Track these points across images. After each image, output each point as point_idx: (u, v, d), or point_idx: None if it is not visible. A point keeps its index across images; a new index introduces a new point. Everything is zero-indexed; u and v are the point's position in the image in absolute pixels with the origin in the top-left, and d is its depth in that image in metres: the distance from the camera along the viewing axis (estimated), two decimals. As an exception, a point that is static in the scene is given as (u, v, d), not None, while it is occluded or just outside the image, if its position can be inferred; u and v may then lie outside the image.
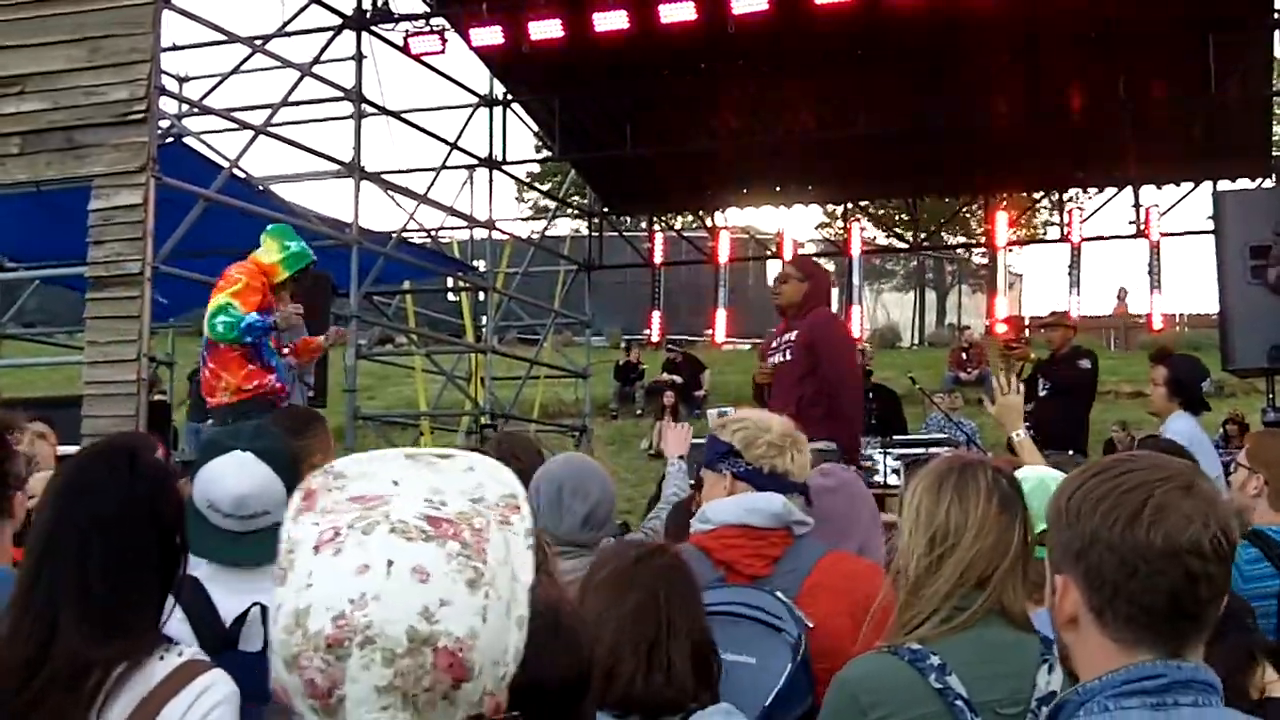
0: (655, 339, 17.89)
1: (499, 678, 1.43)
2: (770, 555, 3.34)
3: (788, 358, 7.37)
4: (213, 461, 3.08)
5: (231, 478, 3.04)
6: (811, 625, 3.07)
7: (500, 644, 1.42)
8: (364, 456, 1.51)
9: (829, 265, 33.29)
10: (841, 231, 20.71)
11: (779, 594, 3.12)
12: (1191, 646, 1.77)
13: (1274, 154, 16.41)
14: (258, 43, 12.30)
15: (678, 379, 19.75)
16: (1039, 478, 3.18)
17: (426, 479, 1.47)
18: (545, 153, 18.35)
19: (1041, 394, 10.79)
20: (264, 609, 2.92)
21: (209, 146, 12.10)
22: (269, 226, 8.43)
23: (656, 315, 17.22)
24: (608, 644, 2.59)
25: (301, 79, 12.40)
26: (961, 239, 29.93)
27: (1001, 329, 16.53)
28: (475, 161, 15.61)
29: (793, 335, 7.43)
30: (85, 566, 2.26)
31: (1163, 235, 15.45)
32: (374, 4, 13.28)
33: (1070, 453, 8.91)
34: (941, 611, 2.54)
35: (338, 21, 12.98)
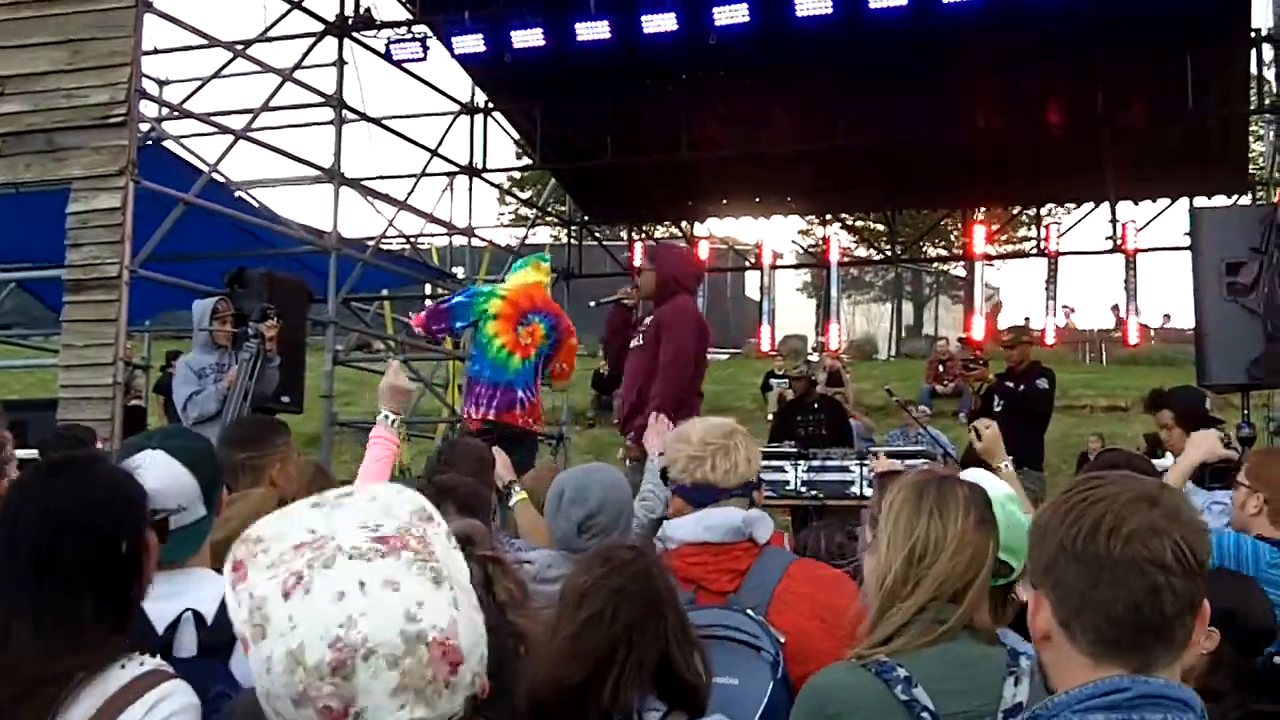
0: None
1: (480, 657, 1.54)
2: (737, 569, 3.34)
3: (640, 343, 7.50)
4: (124, 461, 3.09)
5: (139, 475, 3.05)
6: (784, 640, 3.09)
7: (475, 626, 1.53)
8: (272, 517, 1.60)
9: (806, 276, 33.43)
10: (820, 242, 20.75)
11: (750, 612, 3.14)
12: (1161, 663, 1.77)
13: (1251, 171, 16.49)
14: (239, 47, 12.28)
15: None
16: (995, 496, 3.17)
17: (339, 518, 1.56)
18: (526, 161, 18.32)
19: (996, 410, 10.81)
20: (196, 614, 2.93)
21: (189, 150, 12.08)
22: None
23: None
24: (555, 658, 2.61)
25: (283, 84, 12.39)
26: (940, 251, 30.02)
27: (978, 337, 16.56)
28: (456, 169, 15.61)
29: (648, 320, 7.55)
30: (31, 578, 2.26)
31: (1139, 251, 15.50)
32: (356, 10, 13.27)
33: (1024, 469, 8.94)
34: (915, 624, 2.57)
35: (320, 27, 12.97)
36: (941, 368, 20.06)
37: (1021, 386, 10.66)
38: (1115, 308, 28.34)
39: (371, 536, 1.51)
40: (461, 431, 9.43)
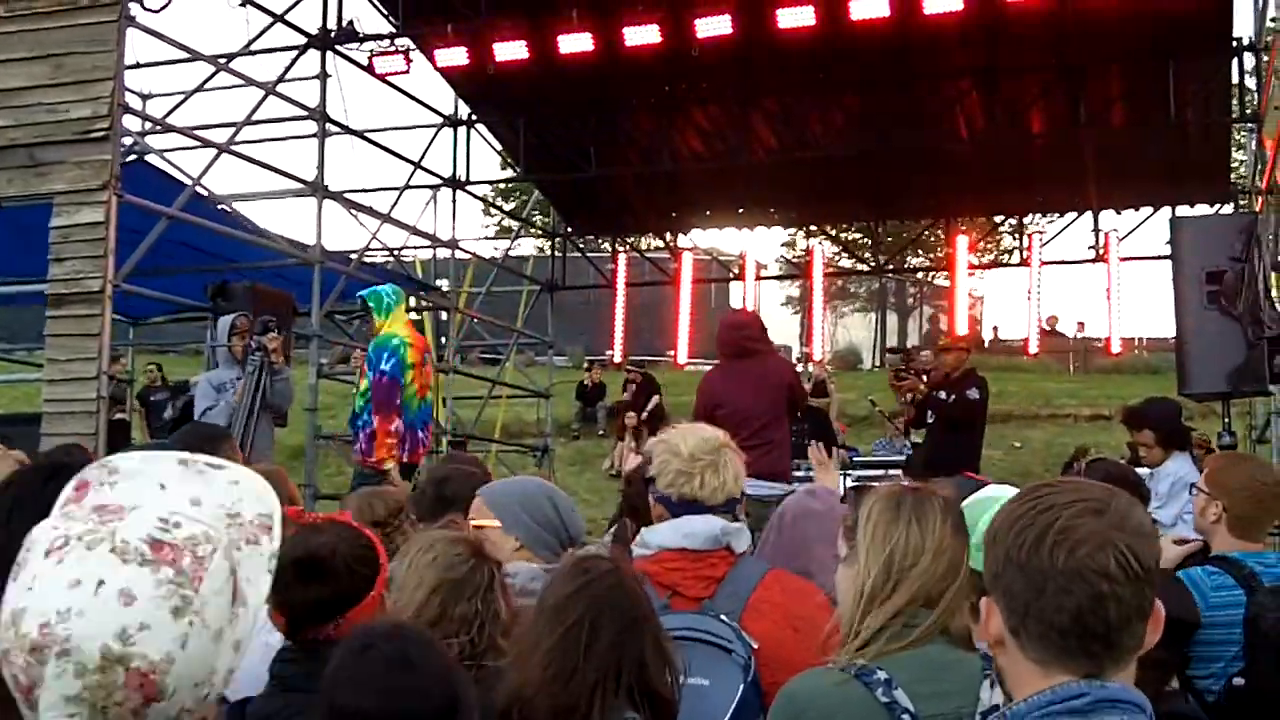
0: (617, 360, 17.90)
1: (201, 697, 1.50)
2: (712, 576, 3.37)
3: None
4: None
5: None
6: (756, 645, 3.12)
7: (204, 667, 1.49)
8: (142, 455, 1.60)
9: (792, 288, 33.51)
10: (804, 253, 20.78)
11: (724, 617, 3.18)
12: (1110, 669, 1.79)
13: (1233, 180, 16.55)
14: (222, 61, 12.25)
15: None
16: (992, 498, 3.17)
17: (190, 487, 1.56)
18: (509, 173, 18.33)
19: (929, 421, 10.80)
20: None
21: (172, 164, 12.05)
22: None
23: (619, 336, 17.23)
24: (539, 670, 2.63)
25: (266, 98, 12.37)
26: (924, 261, 30.10)
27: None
28: (439, 181, 15.60)
29: None
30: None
31: (1121, 260, 15.54)
32: (339, 23, 13.25)
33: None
34: (891, 629, 2.59)
35: (302, 41, 12.95)
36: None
37: (952, 397, 10.57)
38: (1053, 317, 28.56)
39: (153, 537, 1.47)
40: (358, 472, 9.25)
